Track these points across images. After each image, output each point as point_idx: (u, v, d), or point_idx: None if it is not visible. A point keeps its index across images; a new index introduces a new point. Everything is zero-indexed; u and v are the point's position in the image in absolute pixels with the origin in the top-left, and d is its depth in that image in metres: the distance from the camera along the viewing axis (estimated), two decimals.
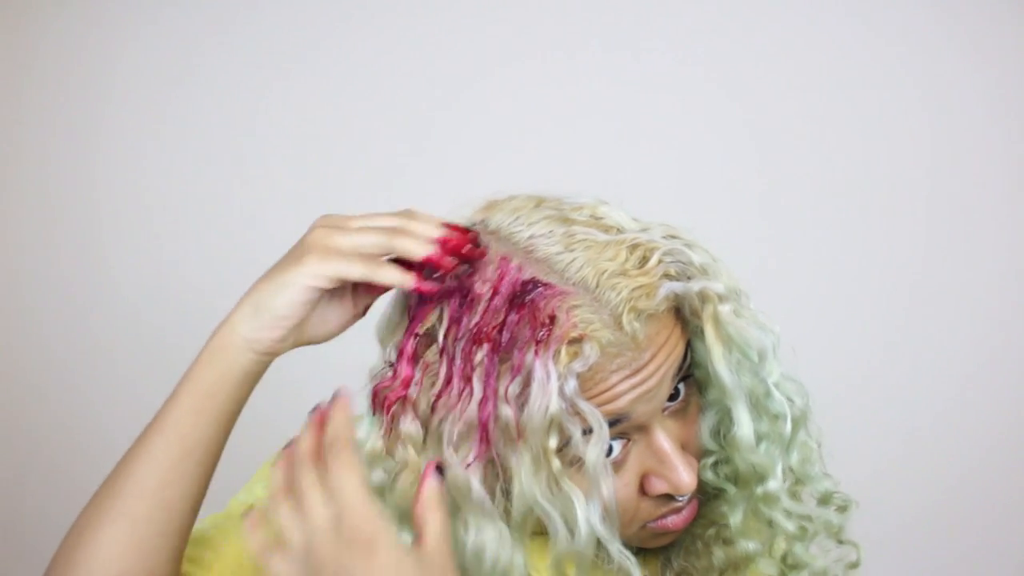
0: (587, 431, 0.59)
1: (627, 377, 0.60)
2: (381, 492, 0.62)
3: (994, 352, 1.25)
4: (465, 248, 0.62)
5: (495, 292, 0.60)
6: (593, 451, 0.59)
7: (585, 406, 0.58)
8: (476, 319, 0.60)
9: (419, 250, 0.62)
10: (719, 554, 0.70)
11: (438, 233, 0.62)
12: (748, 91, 1.25)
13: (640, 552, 0.76)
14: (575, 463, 0.60)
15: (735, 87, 1.26)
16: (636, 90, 1.27)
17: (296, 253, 0.63)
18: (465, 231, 0.63)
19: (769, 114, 1.25)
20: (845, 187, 1.25)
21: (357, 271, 0.61)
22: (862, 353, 1.27)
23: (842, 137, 1.25)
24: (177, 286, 1.38)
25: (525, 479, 0.59)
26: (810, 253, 1.27)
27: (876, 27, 1.23)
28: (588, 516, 0.59)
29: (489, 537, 0.60)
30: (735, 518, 0.68)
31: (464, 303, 0.61)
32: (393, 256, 0.63)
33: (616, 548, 0.61)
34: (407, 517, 0.61)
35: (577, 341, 0.59)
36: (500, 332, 0.59)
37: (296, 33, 1.34)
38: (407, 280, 0.62)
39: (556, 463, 0.59)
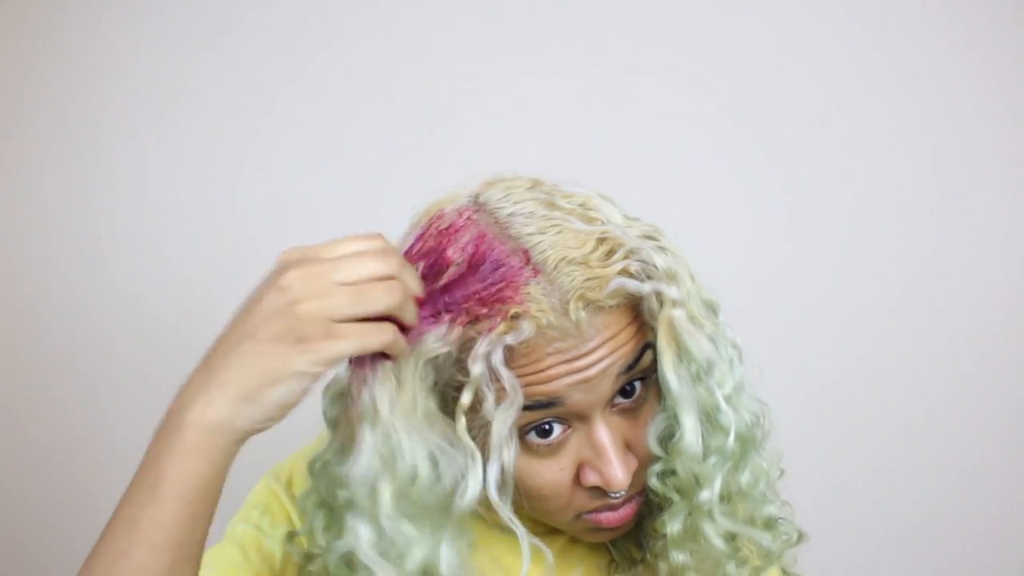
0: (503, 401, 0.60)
1: (564, 362, 0.61)
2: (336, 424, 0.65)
3: (999, 345, 1.25)
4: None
5: (469, 265, 0.61)
6: (500, 417, 0.59)
7: (506, 374, 0.59)
8: (442, 282, 0.60)
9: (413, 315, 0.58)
10: (663, 567, 0.70)
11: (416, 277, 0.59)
12: (750, 92, 1.25)
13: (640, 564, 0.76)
14: (486, 428, 0.60)
15: (737, 88, 1.25)
16: (639, 91, 1.27)
17: (288, 333, 0.53)
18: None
19: (770, 116, 1.25)
20: (850, 189, 1.25)
21: (375, 344, 0.55)
22: (863, 352, 1.27)
23: (841, 141, 1.25)
24: (179, 283, 1.38)
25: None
26: (814, 254, 1.27)
27: (875, 27, 1.23)
28: (486, 476, 0.59)
29: (369, 442, 0.58)
30: (673, 527, 0.67)
31: (434, 266, 0.61)
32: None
33: (506, 515, 0.60)
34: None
35: (517, 317, 0.59)
36: (459, 304, 0.60)
37: (297, 33, 1.34)
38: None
39: (462, 421, 0.60)
